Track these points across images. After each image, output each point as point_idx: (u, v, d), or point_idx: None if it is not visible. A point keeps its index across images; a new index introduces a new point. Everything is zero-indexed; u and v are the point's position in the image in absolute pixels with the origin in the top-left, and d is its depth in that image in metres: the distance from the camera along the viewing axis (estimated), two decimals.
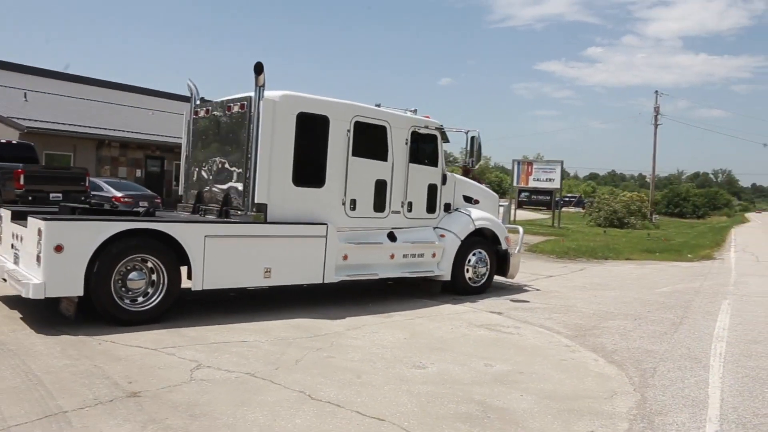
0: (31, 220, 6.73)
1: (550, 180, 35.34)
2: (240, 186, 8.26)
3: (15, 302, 7.66)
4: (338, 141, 8.74)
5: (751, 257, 20.77)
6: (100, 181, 19.80)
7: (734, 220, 71.89)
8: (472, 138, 10.59)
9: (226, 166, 8.57)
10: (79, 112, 27.94)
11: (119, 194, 19.01)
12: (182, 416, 4.32)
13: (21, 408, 4.27)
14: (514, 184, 36.03)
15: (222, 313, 7.69)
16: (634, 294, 11.39)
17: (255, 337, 6.68)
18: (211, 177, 8.91)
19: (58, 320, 6.72)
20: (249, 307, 8.14)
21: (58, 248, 6.36)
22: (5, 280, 7.48)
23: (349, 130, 8.85)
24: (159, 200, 20.08)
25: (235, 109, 8.42)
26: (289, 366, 5.69)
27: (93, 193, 17.34)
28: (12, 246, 7.49)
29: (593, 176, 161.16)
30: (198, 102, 9.45)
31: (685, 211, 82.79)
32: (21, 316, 7.04)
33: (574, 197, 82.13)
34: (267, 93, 8.02)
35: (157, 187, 26.62)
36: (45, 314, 7.00)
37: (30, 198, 14.57)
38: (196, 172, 9.30)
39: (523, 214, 36.89)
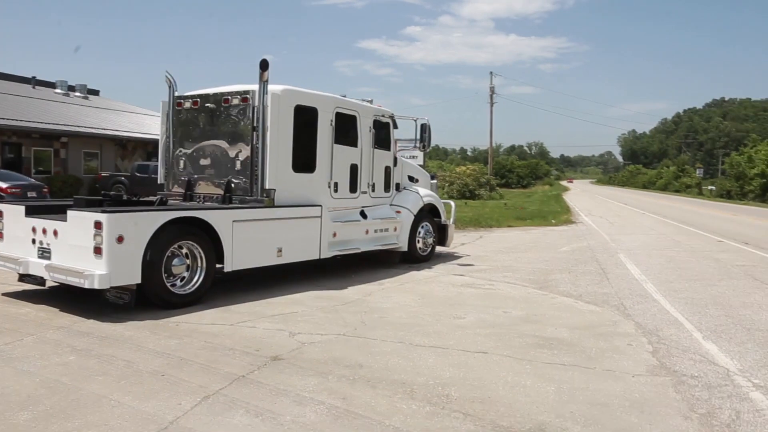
0: (80, 214, 6.91)
1: (413, 157, 37.66)
2: (244, 173, 8.84)
3: (29, 296, 7.69)
4: (324, 130, 9.62)
5: (602, 220, 24.55)
6: None
7: (557, 188, 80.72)
8: (422, 125, 11.97)
9: (226, 155, 9.06)
10: None
11: (4, 185, 17.68)
12: (340, 367, 5.23)
13: (202, 378, 4.89)
14: None
15: (241, 292, 8.26)
16: (546, 254, 13.54)
17: (300, 308, 7.49)
18: (205, 165, 9.31)
19: (101, 309, 6.98)
20: (255, 286, 8.77)
21: (120, 239, 6.68)
22: (23, 276, 7.57)
23: (332, 120, 9.75)
24: (47, 189, 18.94)
25: (235, 101, 8.94)
26: (362, 326, 6.68)
27: None
28: (34, 241, 7.47)
29: None
30: (176, 94, 9.70)
31: (510, 181, 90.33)
32: (59, 309, 7.16)
33: None
34: (270, 87, 8.67)
35: None
36: (80, 305, 7.19)
37: None
38: (183, 161, 9.61)
39: None
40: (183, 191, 9.49)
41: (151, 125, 37.34)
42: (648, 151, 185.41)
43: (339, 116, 9.93)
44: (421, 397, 4.56)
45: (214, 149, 9.23)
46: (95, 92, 41.73)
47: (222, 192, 9.05)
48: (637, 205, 38.13)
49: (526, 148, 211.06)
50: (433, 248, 12.29)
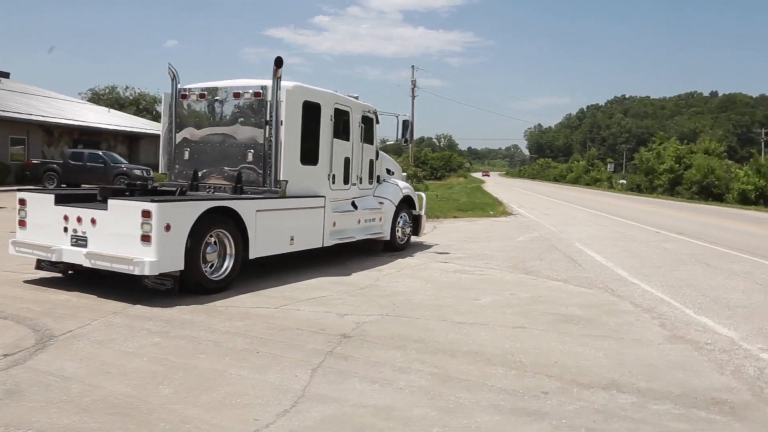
0: (125, 203, 7.10)
1: None
2: (257, 165, 9.15)
3: (54, 284, 7.72)
4: (326, 125, 10.08)
5: (537, 212, 26.14)
6: None
7: (472, 181, 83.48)
8: (404, 121, 12.62)
9: (237, 147, 9.31)
10: None
11: None
12: (410, 341, 5.81)
13: (296, 354, 5.33)
14: None
15: (255, 279, 8.48)
16: (508, 243, 14.57)
17: (325, 293, 7.96)
18: (214, 157, 9.51)
19: (137, 295, 7.16)
20: (264, 274, 9.12)
21: (168, 227, 6.93)
22: (44, 263, 7.63)
23: (331, 116, 10.22)
24: None
25: (247, 95, 9.23)
26: (398, 307, 7.26)
27: None
28: (66, 229, 7.50)
29: None
30: (179, 86, 9.83)
31: (425, 173, 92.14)
32: (96, 295, 7.24)
33: None
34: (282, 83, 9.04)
35: None
36: (113, 291, 7.34)
37: None
38: (188, 152, 9.75)
39: None
40: (188, 181, 9.62)
41: (76, 111, 35.90)
42: (553, 145, 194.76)
43: (336, 112, 10.41)
44: (500, 364, 5.24)
45: (224, 141, 9.45)
46: (5, 75, 39.48)
47: (232, 183, 9.30)
48: (559, 198, 40.56)
49: (435, 140, 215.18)
50: (410, 237, 12.99)
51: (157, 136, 46.23)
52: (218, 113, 9.52)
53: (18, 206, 8.08)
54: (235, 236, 7.97)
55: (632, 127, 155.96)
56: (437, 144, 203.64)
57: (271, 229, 8.63)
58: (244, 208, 8.09)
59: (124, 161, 27.78)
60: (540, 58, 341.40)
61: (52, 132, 30.16)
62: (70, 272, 8.06)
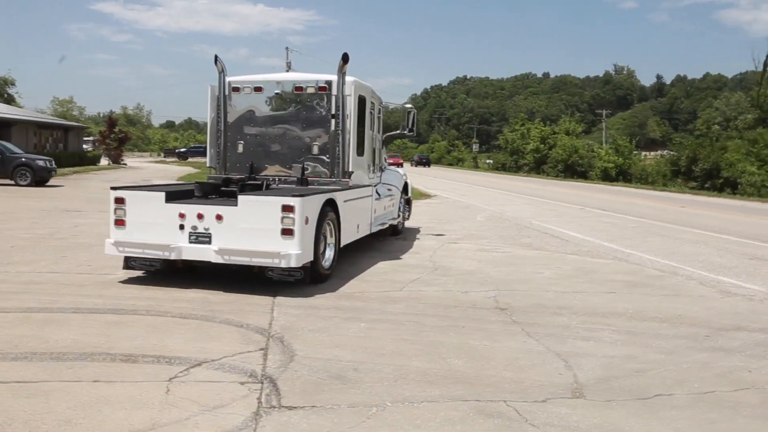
0: (261, 198, 7.57)
1: None
2: (323, 157, 9.78)
3: (154, 281, 7.95)
4: (368, 117, 10.90)
5: (454, 193, 28.29)
6: None
7: None
8: (408, 112, 13.61)
9: (300, 140, 9.85)
10: None
11: None
12: (556, 308, 7.08)
13: (489, 326, 6.40)
14: None
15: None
16: (474, 224, 16.20)
17: (412, 275, 8.87)
18: (275, 150, 9.95)
19: (261, 287, 7.69)
20: None
21: (307, 220, 7.53)
22: (141, 262, 8.00)
23: (371, 109, 11.05)
24: None
25: (310, 90, 9.79)
26: (497, 283, 8.43)
27: None
28: (182, 227, 7.67)
29: (170, 124, 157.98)
30: (229, 79, 10.08)
31: None
32: (221, 290, 7.54)
33: (201, 146, 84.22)
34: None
35: None
36: (230, 285, 7.76)
37: None
38: (241, 145, 10.07)
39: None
40: (245, 174, 9.94)
41: None
42: (401, 124, 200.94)
43: (370, 104, 11.25)
44: (645, 319, 6.73)
45: (284, 134, 9.94)
46: None
47: (295, 175, 9.84)
48: (448, 178, 43.40)
49: None
50: (404, 221, 14.13)
51: (30, 123, 42.68)
52: (277, 107, 9.96)
53: (114, 205, 8.02)
54: (335, 226, 8.66)
55: (475, 107, 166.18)
56: None
57: (350, 218, 9.37)
58: (339, 198, 8.79)
59: (20, 151, 25.83)
60: (382, 39, 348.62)
61: None
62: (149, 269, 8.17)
